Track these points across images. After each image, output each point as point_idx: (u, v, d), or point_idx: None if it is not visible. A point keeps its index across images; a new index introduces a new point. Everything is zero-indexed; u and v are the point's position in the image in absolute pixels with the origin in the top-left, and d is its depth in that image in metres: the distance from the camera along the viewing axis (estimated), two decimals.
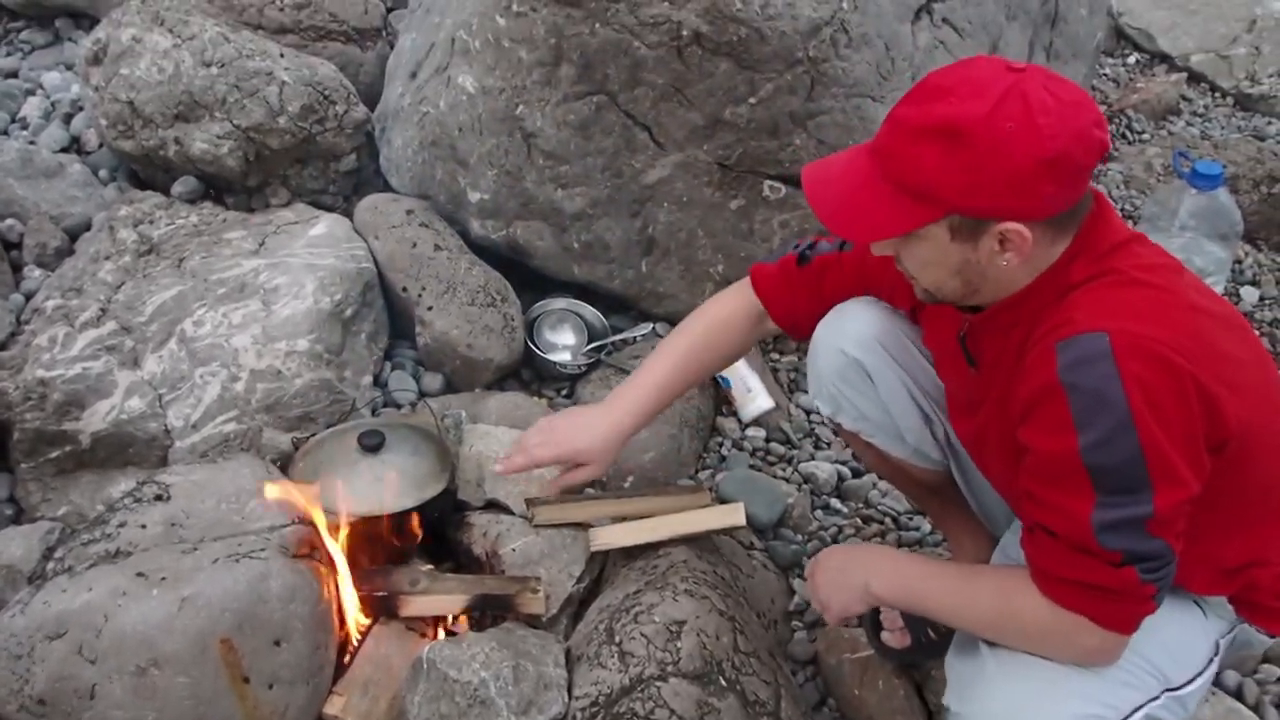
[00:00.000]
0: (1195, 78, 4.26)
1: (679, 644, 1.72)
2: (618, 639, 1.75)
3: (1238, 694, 1.95)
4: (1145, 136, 3.90)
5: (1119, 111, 3.96)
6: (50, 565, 1.76)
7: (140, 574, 1.66)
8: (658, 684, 1.68)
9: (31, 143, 2.77)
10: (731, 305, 1.87)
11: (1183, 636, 1.44)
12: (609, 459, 1.90)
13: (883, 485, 2.38)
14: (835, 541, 2.26)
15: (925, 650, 1.89)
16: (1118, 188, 3.54)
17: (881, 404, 1.76)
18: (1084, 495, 1.26)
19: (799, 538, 2.26)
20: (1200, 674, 1.45)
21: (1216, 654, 1.47)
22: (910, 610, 1.58)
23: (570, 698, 1.72)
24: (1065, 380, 1.25)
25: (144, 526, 1.78)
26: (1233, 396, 1.27)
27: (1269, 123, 4.04)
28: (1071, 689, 1.35)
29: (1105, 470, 1.24)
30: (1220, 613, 1.48)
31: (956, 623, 1.51)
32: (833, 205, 1.37)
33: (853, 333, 1.73)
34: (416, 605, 1.92)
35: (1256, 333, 1.54)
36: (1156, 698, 1.40)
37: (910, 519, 2.33)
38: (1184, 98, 4.16)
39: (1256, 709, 1.93)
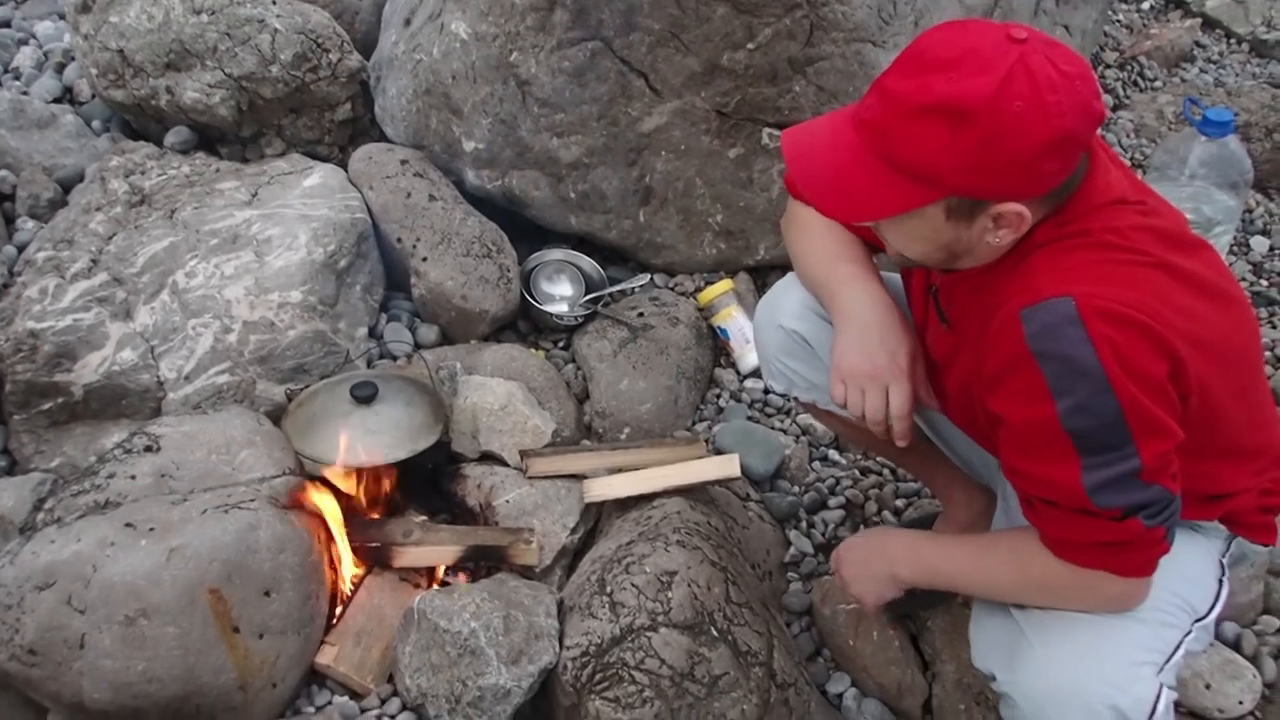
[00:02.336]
0: (1210, 23, 4.16)
1: (670, 594, 1.71)
2: (609, 589, 1.74)
3: (1235, 645, 1.94)
4: (1157, 83, 3.82)
5: (1131, 58, 3.88)
6: (40, 516, 1.76)
7: (129, 524, 1.66)
8: (648, 634, 1.68)
9: (24, 93, 2.73)
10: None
11: (1194, 563, 1.46)
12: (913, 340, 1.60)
13: None
14: (833, 493, 2.25)
15: (920, 601, 1.88)
16: (1128, 135, 3.48)
17: (826, 370, 1.73)
18: (1069, 461, 1.25)
19: (796, 489, 2.25)
20: (1218, 597, 1.46)
21: (1223, 573, 1.49)
22: (937, 588, 1.58)
23: (561, 648, 1.72)
24: (1035, 349, 1.23)
25: (133, 477, 1.77)
26: (1195, 352, 1.25)
27: None
28: (1119, 641, 1.36)
29: (1087, 433, 1.23)
30: (1214, 533, 1.49)
31: (982, 594, 1.52)
32: (821, 183, 1.32)
33: (787, 307, 1.72)
34: (410, 556, 1.92)
35: (1242, 287, 1.50)
36: (1189, 631, 1.42)
37: None
38: (1198, 44, 4.07)
39: (1254, 660, 1.92)
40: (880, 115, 1.25)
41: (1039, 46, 1.20)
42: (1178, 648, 1.40)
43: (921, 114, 1.20)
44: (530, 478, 2.03)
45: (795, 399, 1.86)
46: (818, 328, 1.69)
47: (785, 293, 1.73)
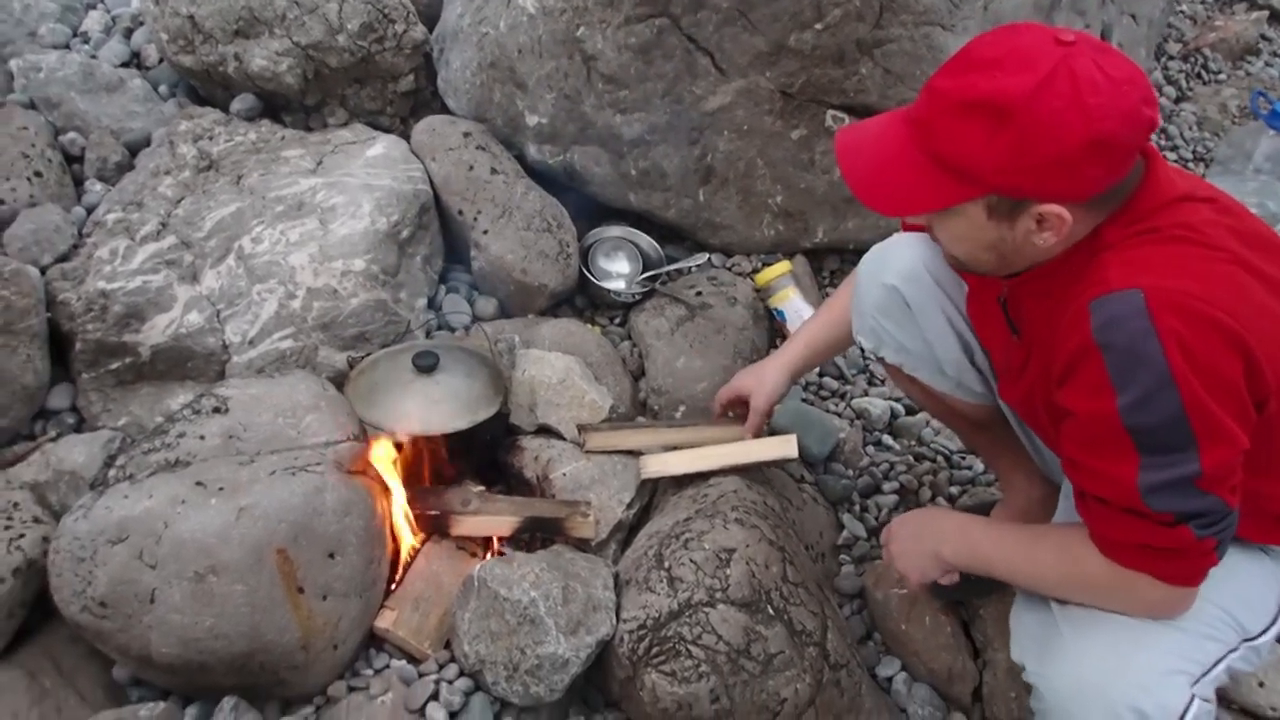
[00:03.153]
0: (1276, 16, 4.10)
1: (728, 571, 1.72)
2: (667, 564, 1.75)
3: None
4: (1221, 76, 3.77)
5: (1195, 50, 3.83)
6: (112, 472, 1.80)
7: (199, 483, 1.69)
8: (705, 610, 1.69)
9: (93, 57, 2.76)
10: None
11: (1254, 585, 1.42)
12: (771, 391, 1.98)
13: (936, 424, 2.36)
14: (887, 478, 2.25)
15: (974, 588, 1.88)
16: (1190, 129, 3.44)
17: (921, 335, 1.73)
18: (1127, 458, 1.23)
19: (850, 473, 2.25)
20: (1275, 620, 1.43)
21: None
22: (978, 573, 1.57)
23: (618, 620, 1.73)
24: (1100, 340, 1.22)
25: (202, 438, 1.80)
26: (1275, 353, 1.23)
27: None
28: (1154, 647, 1.34)
29: (1147, 430, 1.21)
30: None
31: (1024, 584, 1.50)
32: (865, 176, 1.33)
33: (895, 264, 1.71)
34: (467, 525, 1.94)
35: None
36: (1236, 649, 1.39)
37: (963, 458, 2.31)
38: (1264, 37, 4.01)
39: None
40: (926, 111, 1.26)
41: (1086, 50, 1.19)
42: (1219, 662, 1.37)
43: (963, 110, 1.21)
44: (587, 452, 2.04)
45: (881, 359, 1.85)
46: (923, 289, 1.69)
47: (898, 249, 1.72)
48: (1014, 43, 1.22)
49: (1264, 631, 1.41)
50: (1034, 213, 1.25)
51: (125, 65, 2.80)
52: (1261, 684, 1.85)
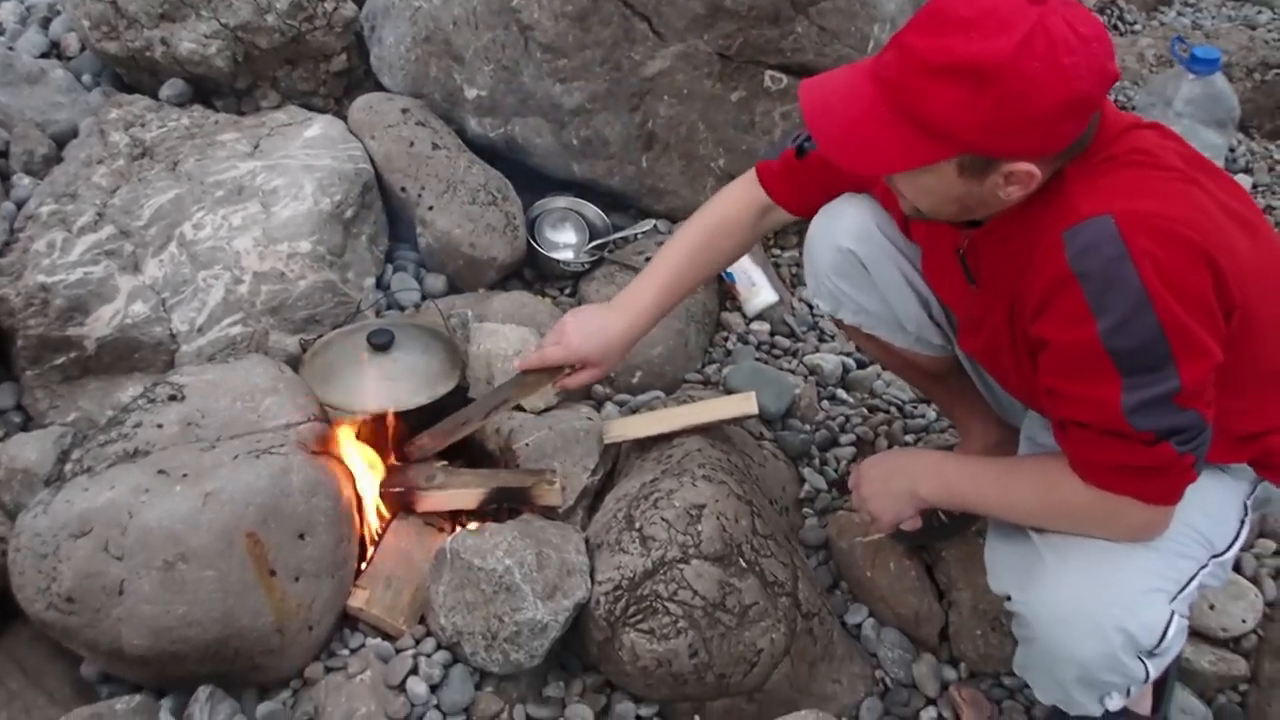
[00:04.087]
0: None
1: (699, 527, 1.74)
2: (638, 525, 1.77)
3: (1237, 567, 2.00)
4: (1137, 27, 3.88)
5: (1111, 2, 3.92)
6: (68, 467, 1.76)
7: (161, 471, 1.66)
8: (680, 566, 1.71)
9: (10, 48, 2.69)
10: (736, 201, 1.83)
11: (1218, 502, 1.47)
12: (612, 361, 1.86)
13: (887, 375, 2.40)
14: (843, 431, 2.29)
15: (936, 533, 1.93)
16: None
17: (879, 294, 1.76)
18: (1109, 381, 1.26)
19: (807, 428, 2.28)
20: (1237, 536, 1.48)
21: (1246, 514, 1.50)
22: (955, 509, 1.60)
23: (593, 583, 1.74)
24: (1076, 268, 1.24)
25: (160, 426, 1.77)
26: (1234, 266, 1.27)
27: (1259, 11, 4.03)
28: (1133, 568, 1.38)
29: (1128, 352, 1.25)
30: (1241, 474, 1.50)
31: (1003, 516, 1.53)
32: (837, 136, 1.33)
33: (846, 226, 1.72)
34: (433, 500, 1.93)
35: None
36: (1206, 565, 1.44)
37: (915, 407, 2.35)
38: None
39: (1255, 580, 1.98)
40: (898, 72, 1.26)
41: (1057, 7, 1.21)
42: (1192, 579, 1.42)
43: (940, 73, 1.22)
44: (607, 443, 2.02)
45: (839, 321, 1.87)
46: (878, 249, 1.70)
47: (844, 210, 1.72)
48: (989, 3, 1.21)
49: (1229, 546, 1.47)
50: (1004, 170, 1.27)
51: (45, 56, 2.73)
52: (1212, 606, 1.93)
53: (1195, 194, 1.29)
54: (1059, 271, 1.26)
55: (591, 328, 1.83)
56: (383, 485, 1.92)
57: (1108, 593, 1.37)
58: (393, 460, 1.99)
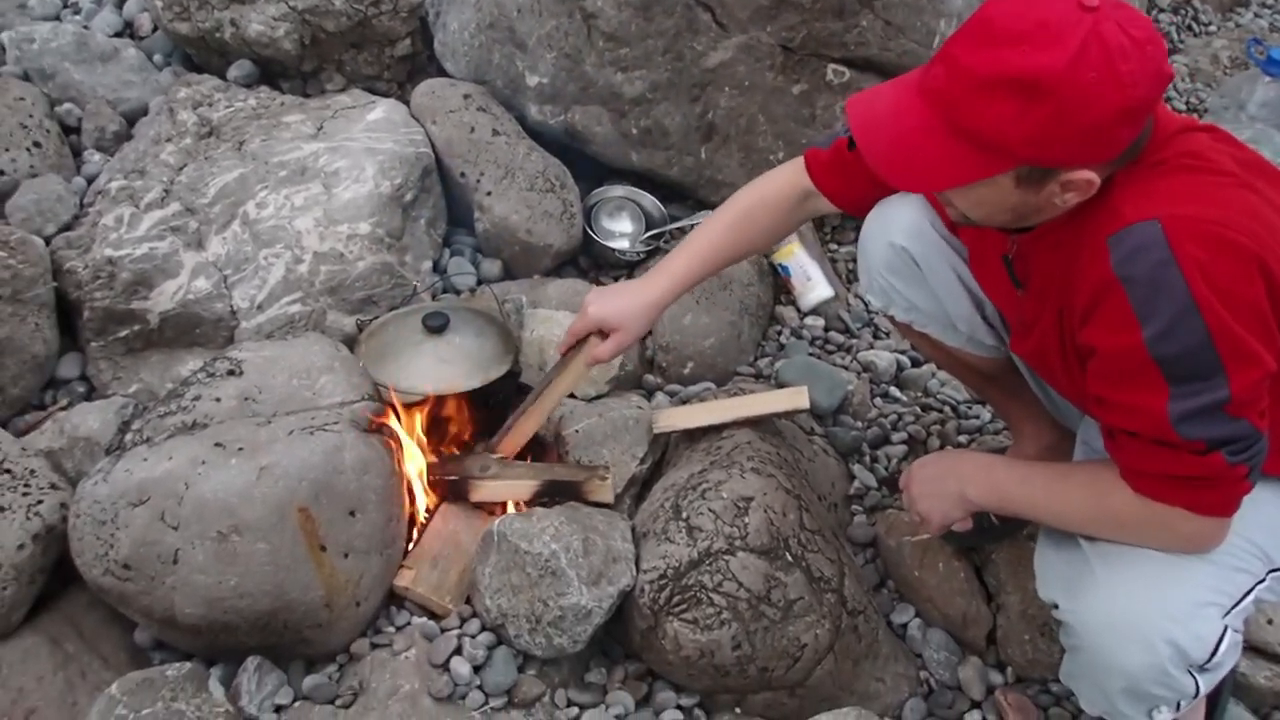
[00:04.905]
0: None
1: (746, 520, 1.74)
2: (685, 515, 1.77)
3: None
4: (1212, 28, 3.78)
5: (1185, 2, 3.84)
6: (128, 437, 1.80)
7: (218, 444, 1.69)
8: (726, 558, 1.71)
9: (85, 27, 2.74)
10: (779, 183, 1.80)
11: (1278, 516, 1.43)
12: (638, 328, 1.83)
13: (942, 375, 2.38)
14: (895, 429, 2.27)
15: (987, 535, 1.91)
16: (1183, 80, 3.45)
17: (931, 292, 1.74)
18: (1157, 389, 1.24)
19: (859, 424, 2.26)
20: None
21: None
22: (1004, 513, 1.57)
23: (638, 571, 1.74)
24: (1121, 274, 1.22)
25: (218, 400, 1.80)
26: None
27: None
28: (1185, 580, 1.35)
29: (1174, 359, 1.22)
30: None
31: (1053, 523, 1.51)
32: (889, 154, 1.30)
33: (900, 222, 1.70)
34: (487, 490, 1.94)
35: None
36: (1263, 579, 1.41)
37: (969, 408, 2.33)
38: None
39: None
40: (949, 87, 1.24)
41: (1110, 13, 1.18)
42: (1248, 594, 1.39)
43: (993, 87, 1.19)
44: (657, 432, 2.02)
45: (890, 317, 1.86)
46: (931, 247, 1.69)
47: (899, 207, 1.71)
48: (1040, 13, 1.18)
49: None
50: (1061, 179, 1.25)
51: (118, 35, 2.78)
52: (1270, 621, 1.88)
53: (1249, 199, 1.26)
54: (1104, 277, 1.24)
55: (610, 295, 1.85)
56: (438, 472, 1.94)
57: (1158, 604, 1.34)
58: (444, 443, 2.01)
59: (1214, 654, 1.34)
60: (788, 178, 1.79)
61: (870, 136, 1.31)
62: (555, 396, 1.93)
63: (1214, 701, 1.70)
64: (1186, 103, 3.35)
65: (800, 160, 1.78)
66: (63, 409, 2.04)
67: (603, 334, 1.82)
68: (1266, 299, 1.22)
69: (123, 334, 2.10)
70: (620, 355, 1.88)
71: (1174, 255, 1.19)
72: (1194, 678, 1.36)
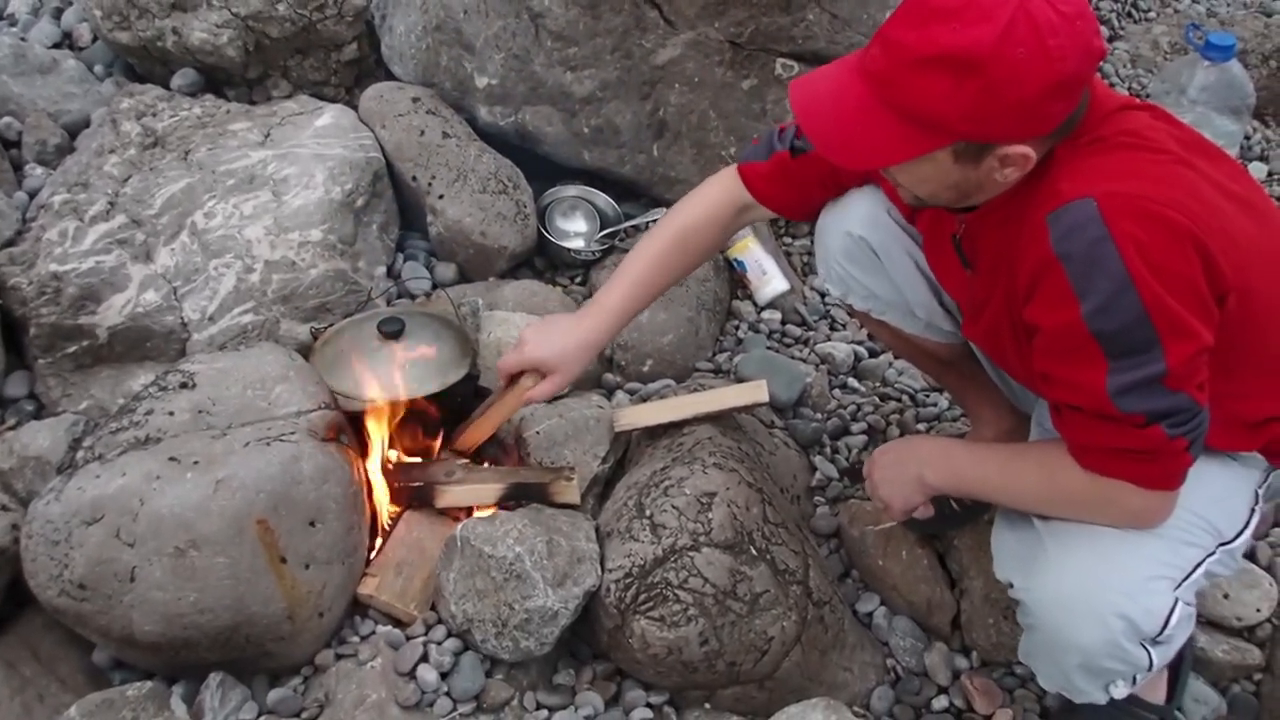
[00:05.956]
0: None
1: (710, 515, 1.74)
2: (648, 512, 1.77)
3: (1251, 555, 1.98)
4: (1151, 14, 3.84)
5: None
6: (80, 454, 1.76)
7: (173, 458, 1.66)
8: (690, 554, 1.71)
9: (22, 39, 2.69)
10: (711, 201, 1.79)
11: (1226, 490, 1.46)
12: (575, 370, 1.82)
13: (899, 364, 2.40)
14: (855, 419, 2.28)
15: (948, 521, 1.92)
16: (1125, 66, 3.50)
17: (889, 280, 1.76)
18: (1095, 364, 1.26)
19: (818, 416, 2.27)
20: (1247, 524, 1.47)
21: (1257, 503, 1.49)
22: (963, 495, 1.60)
23: (603, 571, 1.74)
24: (1059, 251, 1.25)
25: (172, 414, 1.77)
26: (1229, 249, 1.26)
27: None
28: (1136, 555, 1.38)
29: (1111, 335, 1.25)
30: (1253, 463, 1.49)
31: (1009, 503, 1.54)
32: (830, 134, 1.34)
33: (857, 212, 1.73)
34: (452, 496, 1.93)
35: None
36: (1213, 553, 1.43)
37: (927, 395, 2.35)
38: None
39: (1270, 569, 1.97)
40: (885, 66, 1.27)
41: None
42: (1197, 567, 1.41)
43: (926, 65, 1.22)
44: (619, 431, 2.01)
45: (849, 306, 1.87)
46: (889, 235, 1.70)
47: (856, 199, 1.73)
48: None
49: (1238, 535, 1.46)
50: (998, 154, 1.28)
51: (57, 46, 2.73)
52: (1226, 595, 1.91)
53: (1187, 176, 1.29)
54: (1044, 255, 1.26)
55: (548, 334, 1.82)
56: (402, 479, 1.92)
57: (1109, 579, 1.37)
58: (403, 449, 2.00)
59: (1165, 627, 1.37)
60: (719, 195, 1.79)
61: (813, 119, 1.34)
62: (488, 429, 1.95)
63: (1175, 676, 1.73)
64: (1129, 88, 3.39)
65: (730, 174, 1.78)
66: (11, 429, 2.00)
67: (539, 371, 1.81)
68: (1202, 274, 1.25)
69: (71, 350, 2.06)
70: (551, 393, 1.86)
71: (1110, 232, 1.22)
72: (1147, 651, 1.39)
